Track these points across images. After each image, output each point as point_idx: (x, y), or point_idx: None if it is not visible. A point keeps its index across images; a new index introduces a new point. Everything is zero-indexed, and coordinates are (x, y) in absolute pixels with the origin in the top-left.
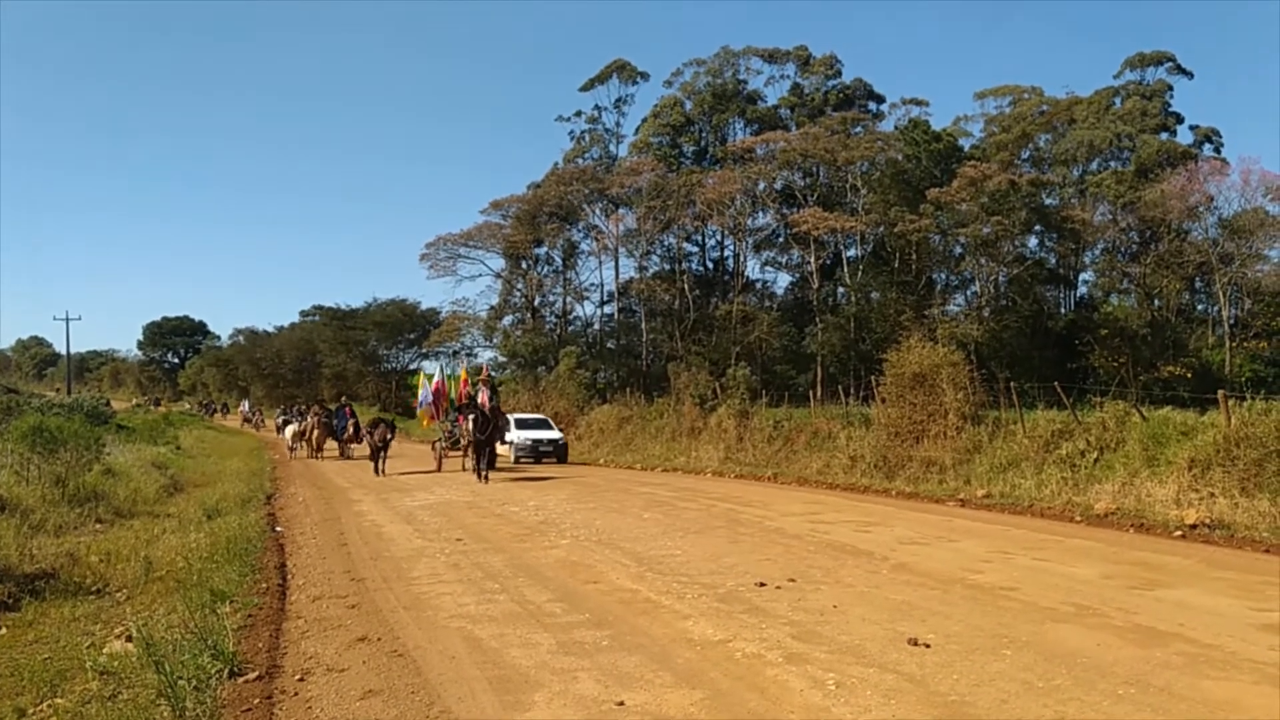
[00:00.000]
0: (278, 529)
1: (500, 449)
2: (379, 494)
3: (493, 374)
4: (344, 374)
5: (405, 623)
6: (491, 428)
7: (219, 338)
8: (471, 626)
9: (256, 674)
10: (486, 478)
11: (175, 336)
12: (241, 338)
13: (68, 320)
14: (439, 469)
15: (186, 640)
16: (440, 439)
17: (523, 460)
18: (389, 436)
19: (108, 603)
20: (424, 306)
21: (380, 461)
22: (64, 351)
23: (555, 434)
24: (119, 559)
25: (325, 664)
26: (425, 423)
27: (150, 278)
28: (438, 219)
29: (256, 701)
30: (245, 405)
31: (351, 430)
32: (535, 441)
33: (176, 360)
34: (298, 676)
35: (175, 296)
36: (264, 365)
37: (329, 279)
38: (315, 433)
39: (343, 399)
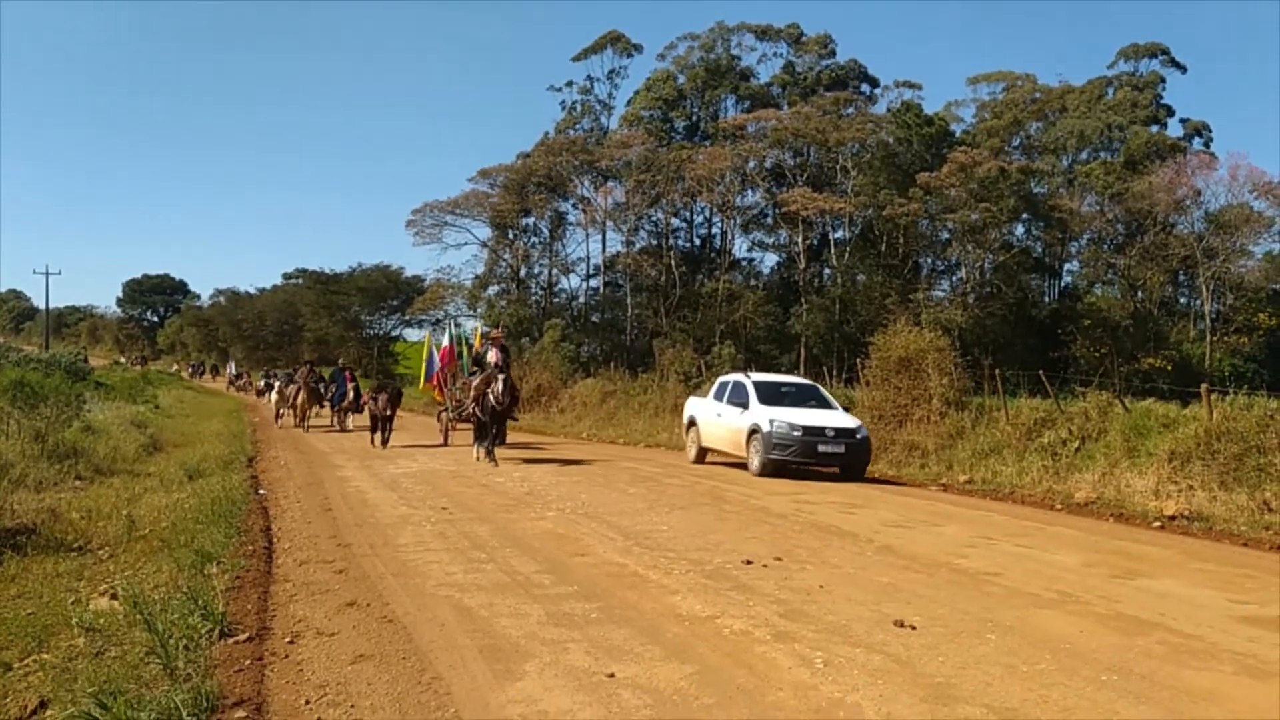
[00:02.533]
0: (261, 492)
1: (722, 443)
2: (362, 460)
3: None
4: (326, 338)
5: (393, 589)
6: (511, 398)
7: (199, 297)
8: (460, 595)
9: (247, 635)
10: (494, 458)
11: (155, 295)
12: (222, 298)
13: (47, 274)
14: (445, 443)
15: (175, 600)
16: (447, 409)
17: (781, 460)
18: (391, 407)
19: (90, 560)
20: (408, 273)
21: (382, 433)
22: (42, 306)
23: (849, 421)
24: (100, 516)
25: (315, 627)
26: (437, 395)
27: (131, 235)
28: (425, 187)
29: (248, 663)
30: (231, 367)
31: (351, 397)
32: (812, 432)
33: (156, 319)
34: (288, 639)
35: (156, 255)
36: (245, 327)
37: (312, 242)
38: (301, 397)
39: (340, 362)
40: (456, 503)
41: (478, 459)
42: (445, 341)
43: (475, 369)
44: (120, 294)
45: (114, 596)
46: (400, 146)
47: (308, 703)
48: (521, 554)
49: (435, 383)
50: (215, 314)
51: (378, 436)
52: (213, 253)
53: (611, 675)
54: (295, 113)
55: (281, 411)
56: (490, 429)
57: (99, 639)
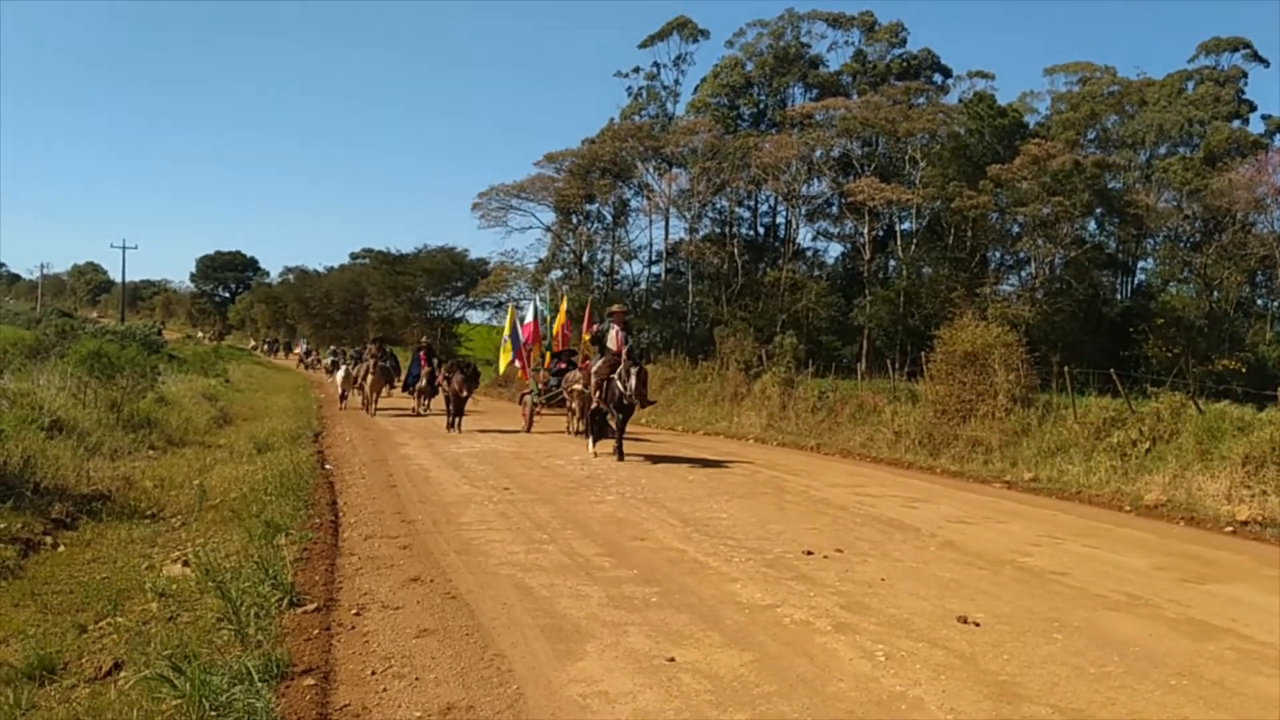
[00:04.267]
0: (327, 467)
1: None
2: (425, 438)
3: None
4: (390, 318)
5: (456, 566)
6: (641, 383)
7: (269, 274)
8: (522, 575)
9: (315, 606)
10: (622, 453)
11: (227, 271)
12: (291, 276)
13: (124, 248)
14: (529, 429)
15: (246, 569)
16: (533, 392)
17: None
18: (468, 388)
19: (163, 528)
20: (473, 256)
21: (457, 415)
22: (119, 279)
23: None
24: (173, 486)
25: (380, 600)
26: (522, 375)
27: (205, 213)
28: (491, 170)
29: (315, 632)
30: (302, 345)
31: (425, 381)
32: None
33: (227, 294)
34: (354, 611)
35: (228, 232)
36: (312, 304)
37: (380, 224)
38: (369, 379)
39: (423, 340)
40: (518, 484)
41: (595, 455)
42: (530, 317)
43: (564, 350)
44: (193, 269)
45: (186, 564)
46: (467, 131)
47: (373, 673)
48: (582, 536)
49: (520, 362)
50: (284, 291)
51: (453, 419)
52: (283, 232)
53: (671, 659)
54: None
55: (346, 393)
56: (617, 424)
57: (172, 604)
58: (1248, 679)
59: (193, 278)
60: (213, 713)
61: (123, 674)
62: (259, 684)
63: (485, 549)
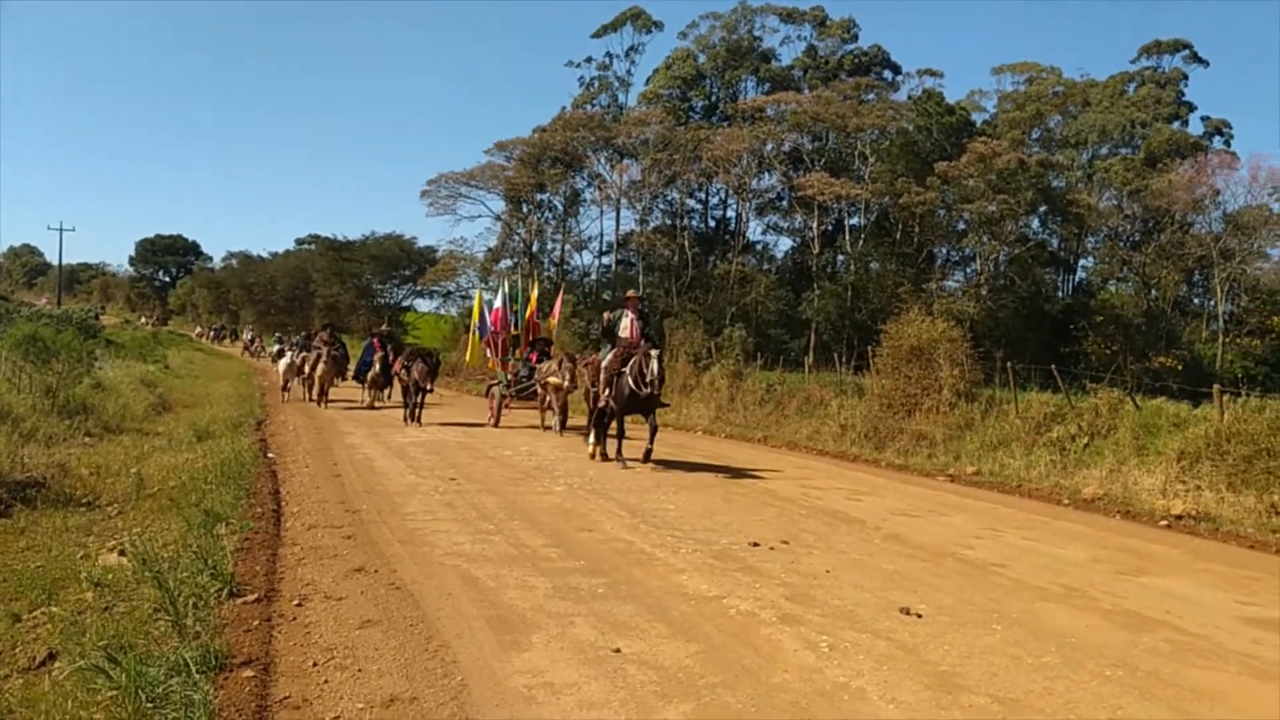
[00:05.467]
0: (270, 455)
1: None
2: (370, 428)
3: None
4: (337, 305)
5: (401, 557)
6: (659, 378)
7: (211, 259)
8: (468, 565)
9: (255, 596)
10: (624, 459)
11: (167, 255)
12: (234, 261)
13: (61, 231)
14: (496, 423)
15: (184, 558)
16: (501, 383)
17: None
18: (429, 379)
19: (99, 516)
20: (421, 244)
21: (415, 408)
22: (55, 262)
23: None
24: (109, 473)
25: (323, 591)
26: (491, 364)
27: (145, 196)
28: (441, 158)
29: (256, 623)
30: (248, 332)
31: (379, 368)
32: None
33: (168, 279)
34: (296, 602)
35: (169, 215)
36: (256, 290)
37: (327, 210)
38: (321, 368)
39: (383, 327)
40: (464, 474)
41: (593, 456)
42: (498, 302)
43: (539, 340)
44: (133, 253)
45: (122, 553)
46: (417, 117)
47: (315, 665)
48: (529, 527)
49: (489, 351)
50: (227, 276)
51: (411, 410)
52: (226, 215)
53: (617, 650)
54: (312, 79)
55: (289, 383)
56: (621, 421)
57: (108, 594)
58: (1181, 670)
59: (132, 261)
60: (149, 704)
61: (57, 664)
62: (196, 675)
63: (431, 539)
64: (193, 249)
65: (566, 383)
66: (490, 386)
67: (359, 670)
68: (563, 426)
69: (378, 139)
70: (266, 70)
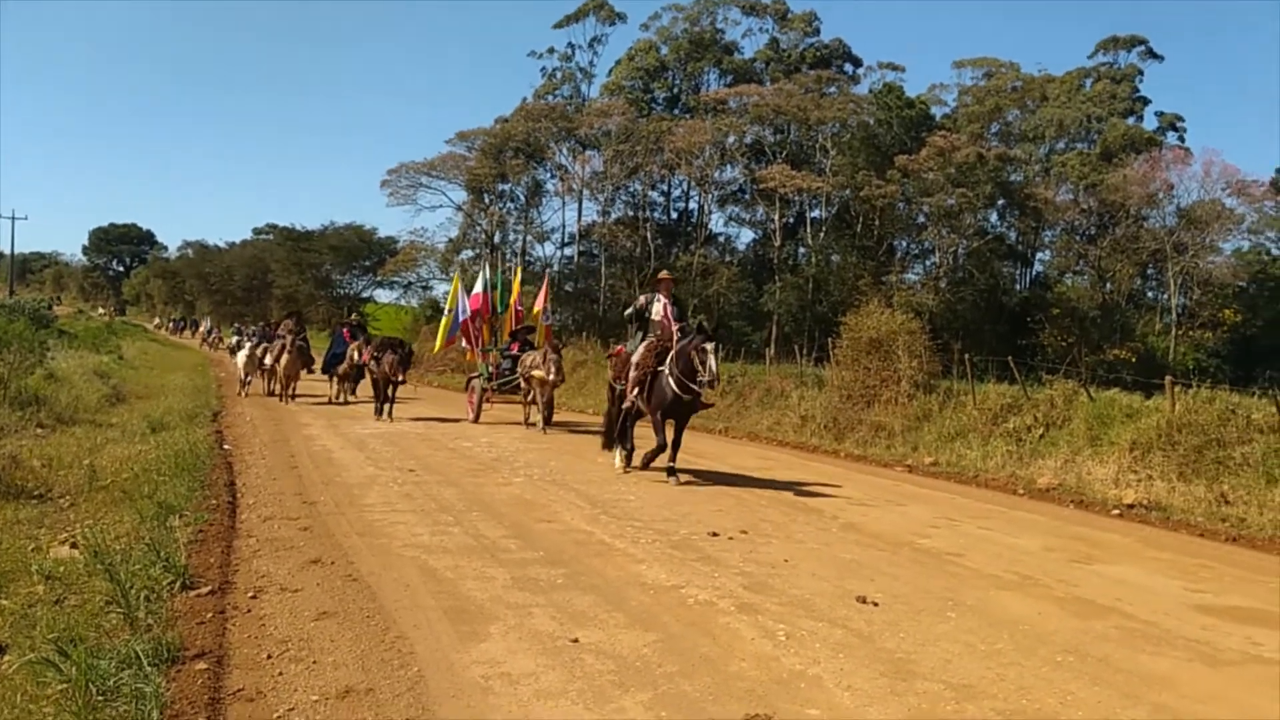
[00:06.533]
0: (226, 447)
1: None
2: (329, 420)
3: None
4: (295, 295)
5: (359, 548)
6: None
7: (166, 249)
8: (426, 557)
9: (209, 589)
10: (677, 474)
11: (122, 244)
12: (190, 251)
13: (13, 219)
14: (476, 419)
15: (137, 550)
16: (483, 376)
17: None
18: (401, 370)
19: (50, 508)
20: (381, 234)
21: (387, 402)
22: (7, 251)
23: None
24: (61, 465)
25: (278, 583)
26: (470, 355)
27: (99, 184)
28: (401, 148)
29: (209, 616)
30: (207, 322)
31: (354, 360)
32: None
33: (122, 269)
34: (251, 594)
35: (123, 204)
36: (212, 280)
37: (285, 199)
38: (285, 359)
39: (352, 317)
40: (424, 465)
41: (624, 468)
42: (478, 287)
43: (521, 329)
44: (86, 242)
45: (74, 545)
46: (378, 106)
47: (270, 657)
48: (488, 518)
49: (467, 341)
50: (182, 266)
51: (382, 405)
52: (181, 204)
53: (575, 640)
54: (270, 66)
55: (249, 377)
56: (661, 427)
57: (58, 587)
58: (1131, 656)
59: (85, 251)
60: (99, 697)
61: (6, 658)
62: (148, 668)
63: (389, 531)
64: (147, 238)
65: (553, 376)
66: (470, 379)
67: (314, 662)
68: (547, 423)
69: (337, 128)
70: (223, 56)
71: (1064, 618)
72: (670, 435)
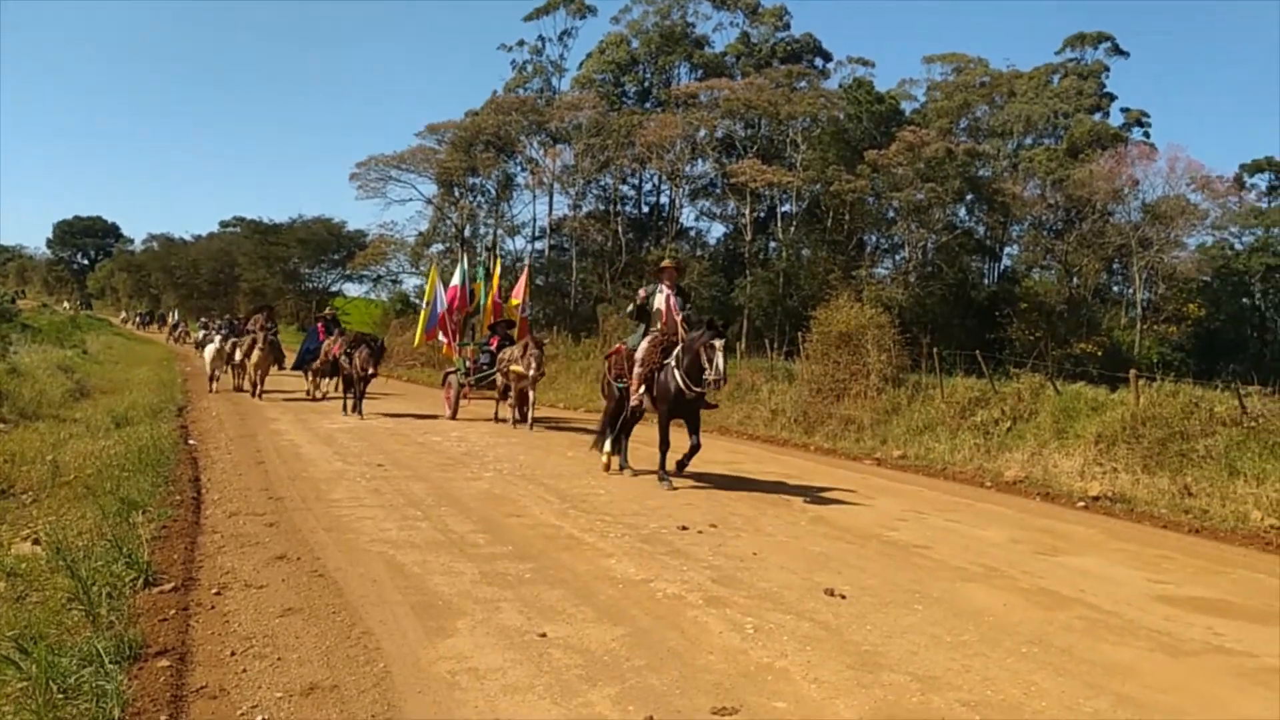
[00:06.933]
0: (191, 442)
1: None
2: (297, 414)
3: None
4: (263, 289)
5: (325, 544)
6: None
7: (132, 242)
8: (393, 552)
9: (172, 585)
10: (670, 480)
11: (86, 237)
12: (156, 244)
13: None
14: (453, 415)
15: (99, 547)
16: (460, 371)
17: None
18: (373, 365)
19: (13, 504)
20: (350, 227)
21: (357, 399)
22: None
23: None
24: (24, 461)
25: (243, 579)
26: (447, 350)
27: (63, 176)
28: (370, 141)
29: (172, 612)
30: (174, 316)
31: (331, 355)
32: None
33: (86, 262)
34: (214, 590)
35: (88, 196)
36: (178, 274)
37: (251, 192)
38: (256, 355)
39: (326, 311)
40: (392, 460)
41: (607, 468)
42: (456, 279)
43: (500, 322)
44: (50, 235)
45: (36, 542)
46: (347, 99)
47: (233, 654)
48: (457, 513)
49: (443, 335)
50: (148, 260)
51: (353, 401)
52: (147, 197)
53: (543, 635)
54: (239, 57)
55: (217, 373)
56: (665, 427)
57: (20, 584)
58: (1094, 646)
59: (49, 244)
60: (60, 695)
61: None
62: (110, 666)
63: (356, 526)
64: (112, 231)
65: (534, 371)
66: (446, 375)
67: (279, 659)
68: (524, 419)
69: (305, 121)
70: (192, 48)
71: (1029, 609)
72: (669, 435)
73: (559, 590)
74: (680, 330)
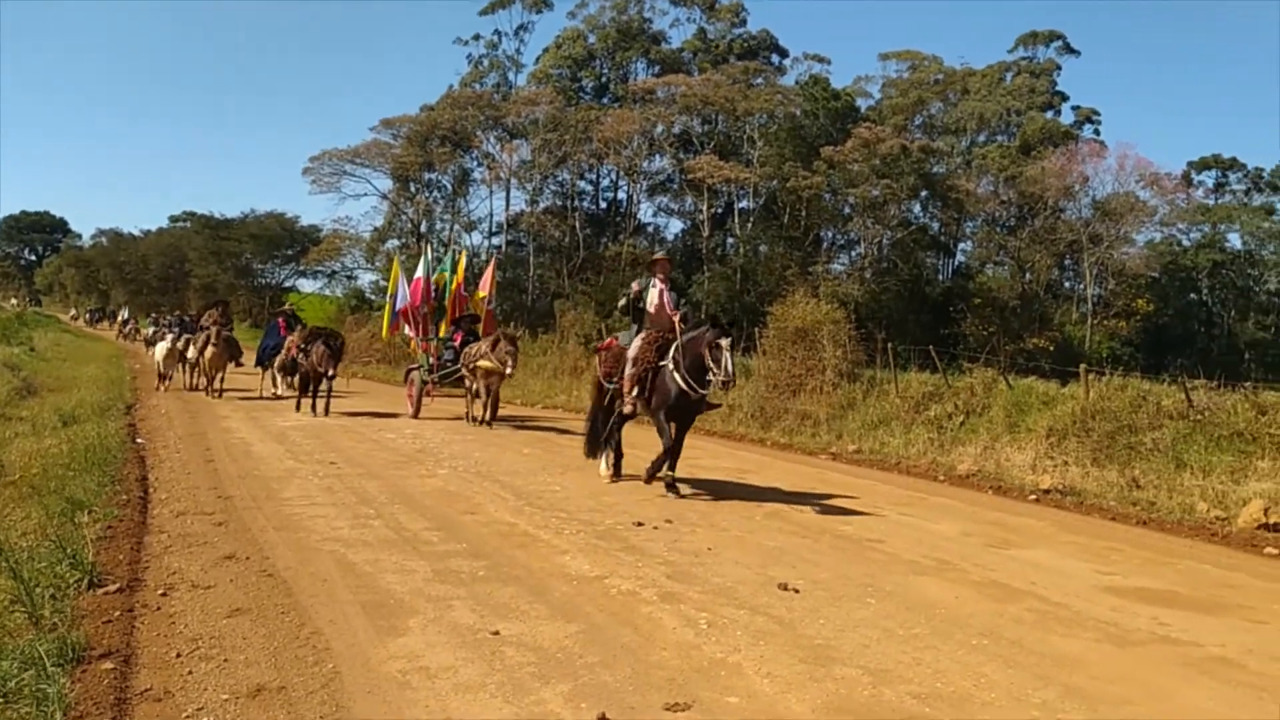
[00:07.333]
0: (139, 440)
1: None
2: (249, 412)
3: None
4: (214, 285)
5: (275, 543)
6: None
7: (80, 237)
8: (345, 550)
9: (117, 586)
10: (676, 487)
11: (33, 232)
12: (105, 239)
13: None
14: (416, 414)
15: (43, 548)
16: (423, 368)
17: None
18: (332, 363)
19: None
20: (304, 222)
21: (316, 397)
22: None
23: None
24: None
25: (190, 580)
26: (414, 346)
27: (9, 169)
28: (325, 135)
29: (117, 614)
30: (124, 313)
31: (295, 353)
32: None
33: (34, 258)
34: (161, 591)
35: (35, 191)
36: (128, 270)
37: (203, 187)
38: (211, 352)
39: (286, 306)
40: (346, 458)
41: (611, 478)
42: (420, 271)
43: (464, 317)
44: None
45: None
46: (301, 92)
47: (179, 655)
48: (410, 511)
49: (411, 330)
50: (96, 255)
51: (314, 400)
52: (96, 192)
53: (496, 633)
54: (188, 50)
55: (169, 373)
56: (666, 430)
57: None
58: (1043, 638)
59: None
60: (0, 699)
61: None
62: (52, 669)
63: (307, 525)
64: (60, 226)
65: (508, 369)
66: (409, 371)
67: (225, 660)
68: (493, 418)
69: (258, 114)
70: (141, 41)
71: (980, 601)
72: (670, 436)
73: (513, 587)
74: (678, 328)
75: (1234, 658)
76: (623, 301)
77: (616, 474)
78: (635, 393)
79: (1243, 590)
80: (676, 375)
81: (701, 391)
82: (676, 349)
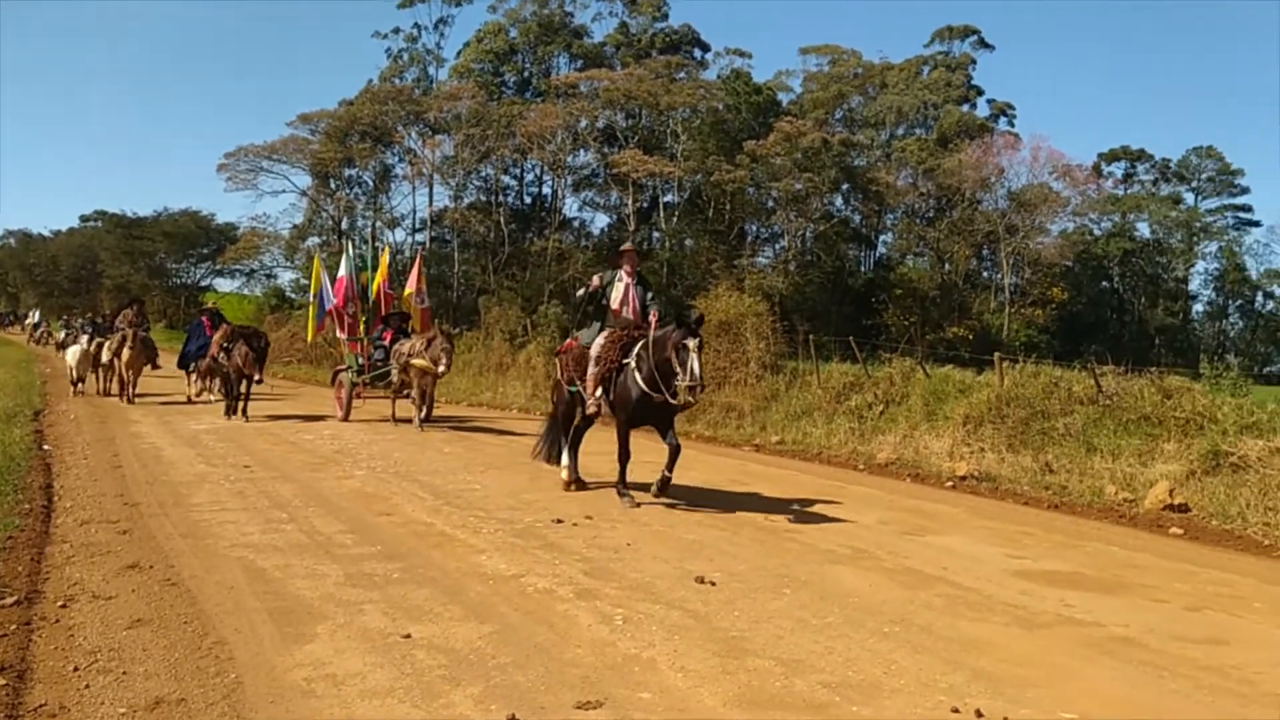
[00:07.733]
0: (45, 447)
1: None
2: (160, 416)
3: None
4: (127, 286)
5: (181, 551)
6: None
7: None
8: (254, 556)
9: (14, 599)
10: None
11: None
12: (12, 240)
13: None
14: (346, 416)
15: None
16: (352, 369)
17: None
18: (256, 365)
19: None
20: (220, 220)
21: (239, 399)
22: None
23: None
24: None
25: (91, 591)
26: (343, 348)
27: None
28: (240, 131)
29: (14, 628)
30: (35, 315)
31: (218, 355)
32: None
33: None
34: (60, 603)
35: None
36: (37, 271)
37: (113, 184)
38: (127, 354)
39: (210, 305)
40: (260, 460)
41: (569, 486)
42: (343, 270)
43: (392, 314)
44: None
45: None
46: (214, 88)
47: (76, 669)
48: (325, 513)
49: (339, 331)
50: (4, 257)
51: (236, 402)
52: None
53: (408, 636)
54: (94, 44)
55: (83, 376)
56: (625, 436)
57: None
58: (953, 623)
59: None
60: None
61: None
62: None
63: (216, 531)
64: None
65: (443, 368)
66: (336, 373)
67: (124, 673)
68: (428, 419)
69: (169, 109)
70: (39, 36)
71: (893, 589)
72: (629, 444)
73: (427, 589)
74: (652, 324)
75: (1136, 637)
76: (581, 293)
77: (574, 477)
78: (599, 393)
79: (1147, 570)
80: (639, 376)
81: (666, 396)
82: (641, 348)
